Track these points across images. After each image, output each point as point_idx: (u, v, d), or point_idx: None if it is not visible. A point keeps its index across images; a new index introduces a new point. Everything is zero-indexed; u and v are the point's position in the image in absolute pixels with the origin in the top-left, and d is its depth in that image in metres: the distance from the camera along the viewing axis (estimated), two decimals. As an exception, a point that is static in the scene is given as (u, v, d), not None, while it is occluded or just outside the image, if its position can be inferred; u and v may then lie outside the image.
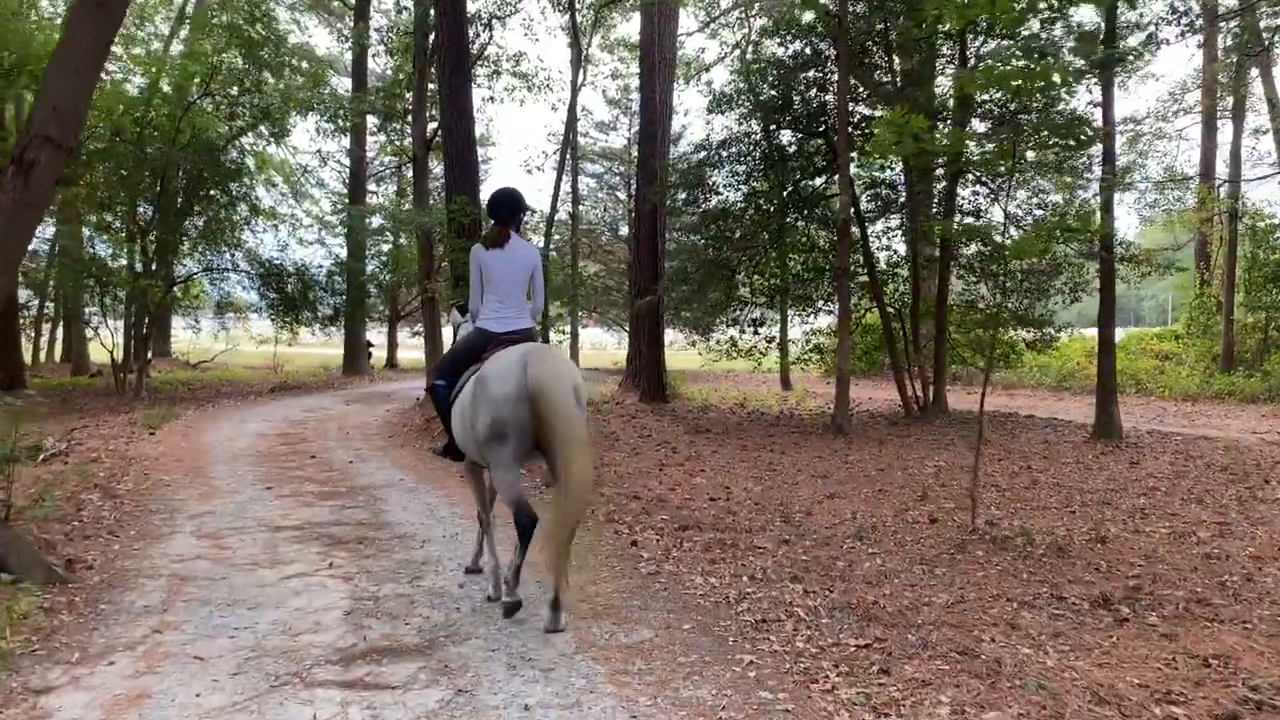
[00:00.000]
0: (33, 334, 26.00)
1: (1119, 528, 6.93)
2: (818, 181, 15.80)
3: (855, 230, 13.92)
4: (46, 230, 21.51)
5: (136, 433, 11.75)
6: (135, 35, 21.41)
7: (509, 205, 5.23)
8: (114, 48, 20.53)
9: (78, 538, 6.13)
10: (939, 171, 15.41)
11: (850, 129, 13.08)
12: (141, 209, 18.58)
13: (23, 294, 21.04)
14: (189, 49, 21.07)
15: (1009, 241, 6.52)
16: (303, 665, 4.01)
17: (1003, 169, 14.56)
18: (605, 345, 48.45)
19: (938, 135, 9.39)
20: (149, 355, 24.51)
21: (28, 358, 25.38)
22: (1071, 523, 7.10)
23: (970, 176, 15.16)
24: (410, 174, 23.61)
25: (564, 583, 4.37)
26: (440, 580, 5.39)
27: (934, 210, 15.34)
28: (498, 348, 4.79)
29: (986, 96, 14.80)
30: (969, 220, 15.50)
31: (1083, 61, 8.68)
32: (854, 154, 13.65)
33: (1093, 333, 25.58)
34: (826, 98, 14.94)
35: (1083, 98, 13.74)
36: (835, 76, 14.63)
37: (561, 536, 4.24)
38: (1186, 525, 7.06)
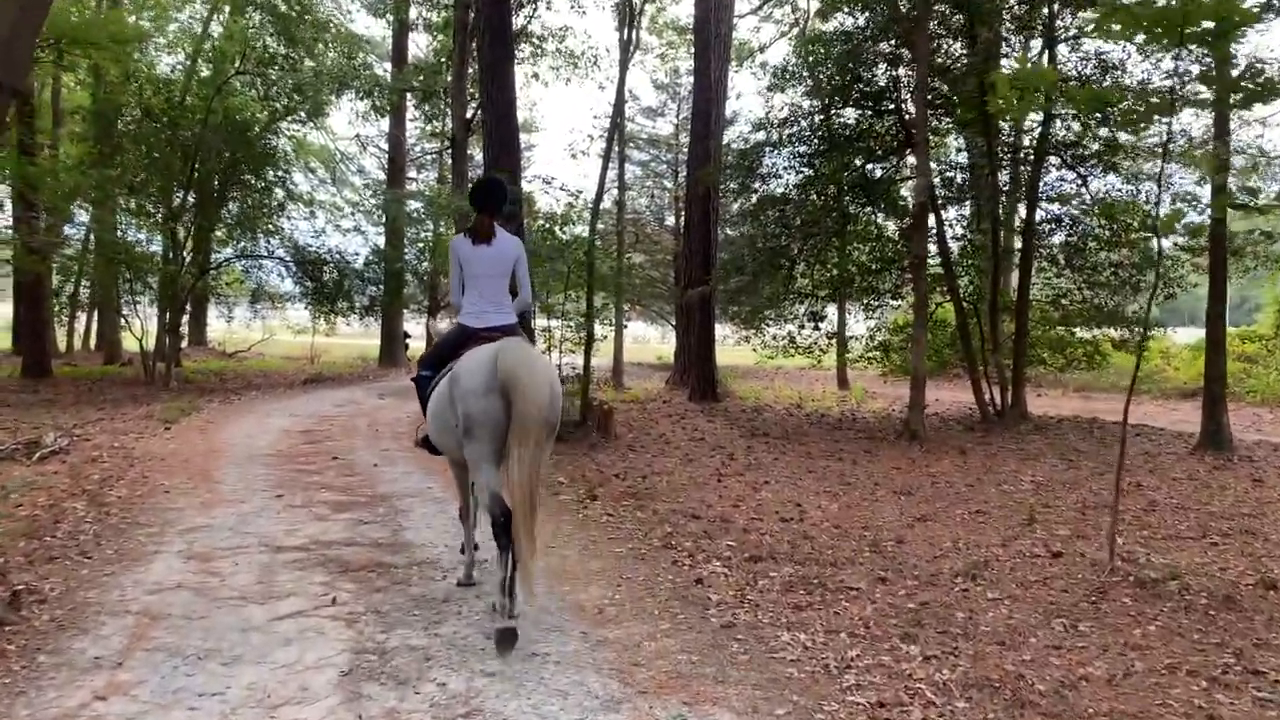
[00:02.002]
0: (66, 321, 25.51)
1: (1282, 567, 5.73)
2: (884, 165, 14.61)
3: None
4: (80, 215, 20.93)
5: (150, 428, 10.92)
6: (173, 16, 20.84)
7: (494, 194, 5.00)
8: (145, 23, 19.96)
9: (41, 559, 5.19)
10: (1019, 154, 14.15)
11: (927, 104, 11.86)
12: (176, 193, 17.85)
13: (55, 280, 20.43)
14: (226, 30, 20.42)
15: (1159, 216, 5.36)
16: (274, 760, 3.02)
17: (1095, 146, 13.38)
18: (649, 339, 47.43)
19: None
20: (182, 344, 23.95)
21: (62, 345, 24.95)
22: (1221, 559, 5.90)
23: (1055, 160, 13.88)
24: (451, 160, 22.67)
25: (529, 579, 4.02)
26: (463, 626, 4.36)
27: (1016, 197, 14.07)
28: (476, 344, 4.55)
29: (1075, 71, 13.52)
30: (1052, 207, 14.20)
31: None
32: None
33: (1170, 333, 23.99)
34: (898, 72, 13.74)
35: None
36: (906, 51, 13.46)
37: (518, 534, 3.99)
38: (1363, 565, 5.83)
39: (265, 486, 7.73)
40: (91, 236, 19.84)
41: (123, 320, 20.17)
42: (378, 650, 4.03)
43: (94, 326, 26.72)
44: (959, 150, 15.21)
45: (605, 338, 14.79)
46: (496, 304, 4.87)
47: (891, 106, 13.80)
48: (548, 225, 11.37)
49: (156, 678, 3.68)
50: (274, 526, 6.29)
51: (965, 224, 15.26)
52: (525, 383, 4.03)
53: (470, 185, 5.12)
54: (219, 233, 19.35)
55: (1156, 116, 5.57)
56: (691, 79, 20.33)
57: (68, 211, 18.92)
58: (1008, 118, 13.91)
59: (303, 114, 19.40)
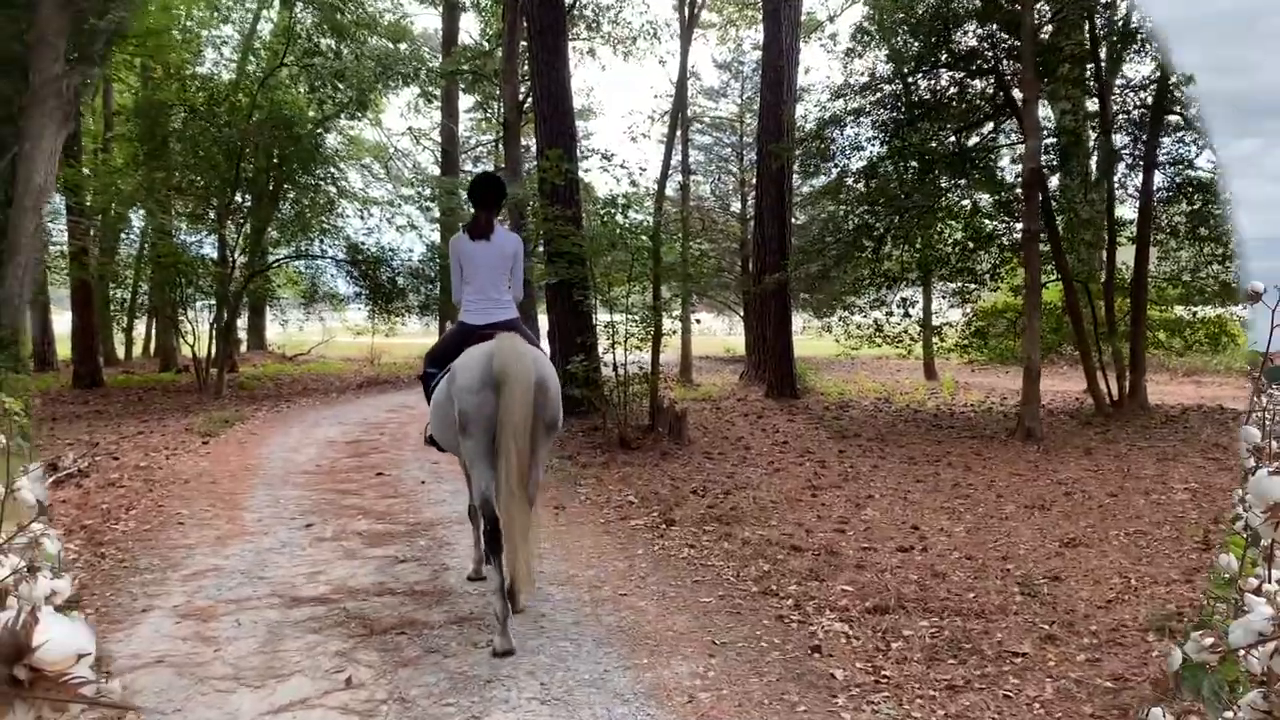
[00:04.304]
0: (126, 327, 25.26)
1: None
2: (979, 134, 13.23)
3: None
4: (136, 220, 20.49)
5: (187, 442, 10.11)
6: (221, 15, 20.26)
7: (491, 190, 4.96)
8: (190, 21, 19.39)
9: (0, 626, 4.27)
10: (1134, 115, 12.65)
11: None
12: (225, 192, 17.20)
13: (110, 286, 19.99)
14: (275, 26, 19.80)
15: None
16: None
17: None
18: (714, 331, 46.03)
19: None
20: (240, 348, 23.48)
21: (121, 352, 24.67)
22: None
23: (1172, 119, 12.36)
24: (504, 148, 21.79)
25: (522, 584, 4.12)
26: (511, 724, 3.29)
27: (1128, 163, 12.58)
28: (476, 341, 4.44)
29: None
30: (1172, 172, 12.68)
31: None
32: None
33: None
34: (991, 28, 12.36)
35: None
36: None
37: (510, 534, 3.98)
38: None
39: (295, 513, 6.79)
40: (147, 241, 19.38)
41: (177, 326, 19.66)
42: (395, 767, 2.98)
43: (152, 332, 26.41)
44: (1059, 114, 13.72)
45: (674, 332, 13.65)
46: (496, 300, 4.81)
47: (986, 67, 12.41)
48: (608, 212, 10.28)
49: (91, 821, 2.67)
50: (294, 569, 5.32)
51: (1068, 196, 13.78)
52: (514, 378, 4.04)
53: (469, 184, 5.13)
54: (273, 233, 18.72)
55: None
56: (758, 54, 19.08)
57: (112, 219, 18.41)
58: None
59: (352, 109, 18.70)
